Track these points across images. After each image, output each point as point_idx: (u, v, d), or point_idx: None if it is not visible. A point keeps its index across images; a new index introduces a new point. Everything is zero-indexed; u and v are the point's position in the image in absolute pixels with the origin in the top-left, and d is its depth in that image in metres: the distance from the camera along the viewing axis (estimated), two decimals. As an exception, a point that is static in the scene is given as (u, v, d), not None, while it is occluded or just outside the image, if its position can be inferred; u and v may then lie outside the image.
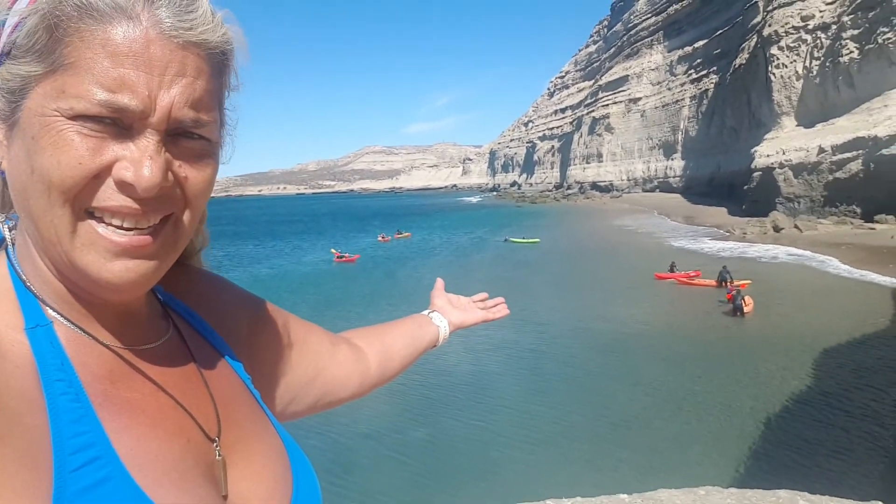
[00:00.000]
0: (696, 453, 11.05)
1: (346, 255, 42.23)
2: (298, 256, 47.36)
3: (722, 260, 31.91)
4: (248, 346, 0.92)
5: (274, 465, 0.78)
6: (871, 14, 48.70)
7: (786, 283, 26.30)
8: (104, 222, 0.62)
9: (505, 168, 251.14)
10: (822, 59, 54.52)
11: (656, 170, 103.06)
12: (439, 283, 1.59)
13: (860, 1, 49.74)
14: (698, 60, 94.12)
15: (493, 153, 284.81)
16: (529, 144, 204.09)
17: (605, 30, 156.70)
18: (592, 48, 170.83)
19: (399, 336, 1.35)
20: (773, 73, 58.94)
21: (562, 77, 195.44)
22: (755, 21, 66.53)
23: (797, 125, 56.15)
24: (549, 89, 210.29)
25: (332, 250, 44.02)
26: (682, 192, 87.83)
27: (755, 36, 64.82)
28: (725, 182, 70.32)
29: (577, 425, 12.61)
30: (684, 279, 27.61)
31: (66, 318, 0.67)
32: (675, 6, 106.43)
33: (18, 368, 0.60)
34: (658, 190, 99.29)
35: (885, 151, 40.71)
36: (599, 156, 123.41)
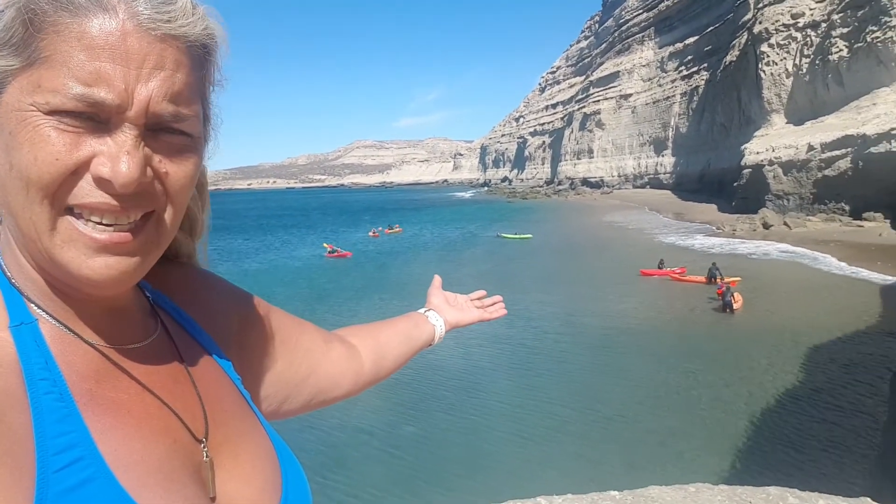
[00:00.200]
0: (686, 450, 11.11)
1: (339, 250, 42.00)
2: (289, 251, 47.18)
3: (712, 256, 32.05)
4: (238, 344, 0.91)
5: (263, 466, 0.77)
6: (860, 13, 48.94)
7: (775, 280, 26.46)
8: (84, 219, 0.61)
9: (496, 163, 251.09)
10: (812, 56, 54.75)
11: (647, 166, 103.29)
12: (436, 280, 1.57)
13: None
14: (689, 57, 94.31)
15: (484, 148, 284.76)
16: (520, 140, 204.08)
17: (597, 25, 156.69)
18: (584, 44, 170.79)
19: (394, 334, 1.34)
20: (763, 71, 59.14)
21: (553, 72, 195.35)
22: (746, 18, 66.68)
23: (787, 123, 56.39)
24: (540, 85, 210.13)
25: (325, 244, 43.69)
26: (673, 189, 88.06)
27: (745, 33, 64.99)
28: (715, 179, 70.52)
29: (567, 421, 12.64)
30: (676, 276, 27.71)
31: (51, 316, 0.66)
32: (665, 2, 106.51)
33: (2, 366, 0.59)
34: (648, 186, 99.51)
35: (873, 149, 40.97)
36: (590, 152, 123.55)
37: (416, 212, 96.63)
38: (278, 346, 1.00)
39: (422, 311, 1.46)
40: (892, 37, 45.19)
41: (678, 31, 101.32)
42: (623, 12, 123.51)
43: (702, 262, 29.43)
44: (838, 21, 51.40)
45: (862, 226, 39.55)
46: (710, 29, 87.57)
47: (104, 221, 0.61)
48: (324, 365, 1.10)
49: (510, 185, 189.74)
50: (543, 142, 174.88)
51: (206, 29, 0.66)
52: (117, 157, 0.59)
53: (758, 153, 52.74)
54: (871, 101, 45.65)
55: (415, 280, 29.09)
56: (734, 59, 68.16)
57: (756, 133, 57.74)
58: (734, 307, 20.93)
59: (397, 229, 59.58)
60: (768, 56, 59.01)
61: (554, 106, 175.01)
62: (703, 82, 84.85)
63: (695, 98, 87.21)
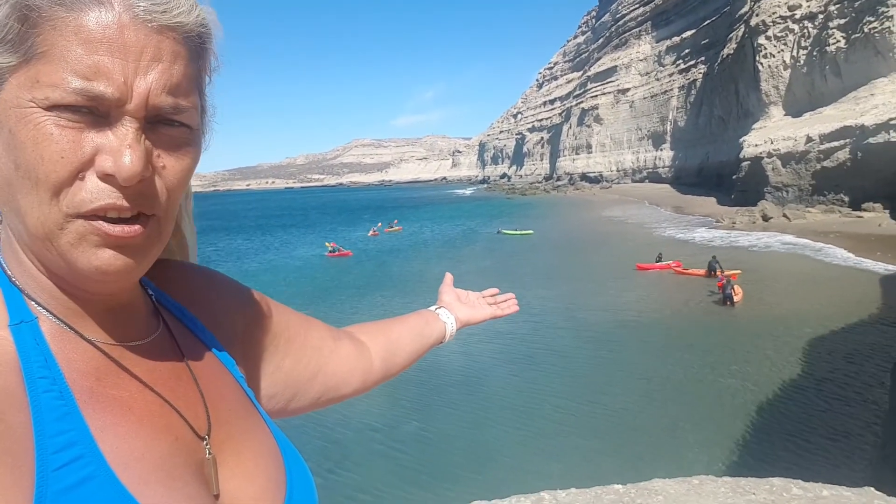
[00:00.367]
0: (689, 442, 11.12)
1: (340, 249, 41.87)
2: (289, 251, 47.18)
3: (712, 250, 32.06)
4: (244, 343, 0.91)
5: (266, 464, 0.77)
6: (857, 3, 48.87)
7: (776, 272, 26.46)
8: (91, 217, 0.61)
9: (495, 160, 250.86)
10: (809, 48, 54.70)
11: (645, 160, 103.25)
12: (448, 277, 1.56)
13: (846, -10, 49.94)
14: (686, 51, 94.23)
15: (482, 145, 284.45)
16: (519, 136, 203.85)
17: (594, 20, 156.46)
18: (581, 39, 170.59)
19: (404, 332, 1.33)
20: (761, 63, 59.08)
21: (550, 68, 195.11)
22: (742, 11, 66.64)
23: (785, 114, 56.35)
24: (537, 80, 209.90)
25: (327, 244, 43.52)
26: (672, 183, 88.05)
27: (742, 26, 64.92)
28: (714, 172, 70.52)
29: (570, 415, 12.66)
30: (679, 269, 27.67)
31: (51, 314, 0.66)
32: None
33: (1, 365, 0.59)
34: (647, 180, 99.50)
35: (871, 140, 40.94)
36: (589, 147, 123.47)
37: (415, 209, 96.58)
38: (285, 344, 0.99)
39: (433, 308, 1.46)
40: (889, 27, 45.14)
41: (675, 24, 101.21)
42: (620, 7, 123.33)
43: (702, 256, 29.42)
44: (835, 12, 51.35)
45: (861, 216, 39.55)
46: (706, 22, 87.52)
47: (108, 216, 0.61)
48: (332, 363, 1.09)
49: (509, 181, 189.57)
50: (542, 138, 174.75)
51: (200, 17, 0.66)
52: (119, 151, 0.59)
53: (756, 146, 52.70)
54: (868, 92, 45.60)
55: (416, 277, 29.13)
56: (731, 51, 68.11)
57: (754, 126, 57.70)
58: (735, 300, 20.94)
59: (397, 227, 59.36)
60: (765, 48, 58.96)
61: (552, 102, 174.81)
62: (700, 76, 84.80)
63: (692, 92, 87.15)
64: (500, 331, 18.66)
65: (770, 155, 50.14)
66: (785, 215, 42.75)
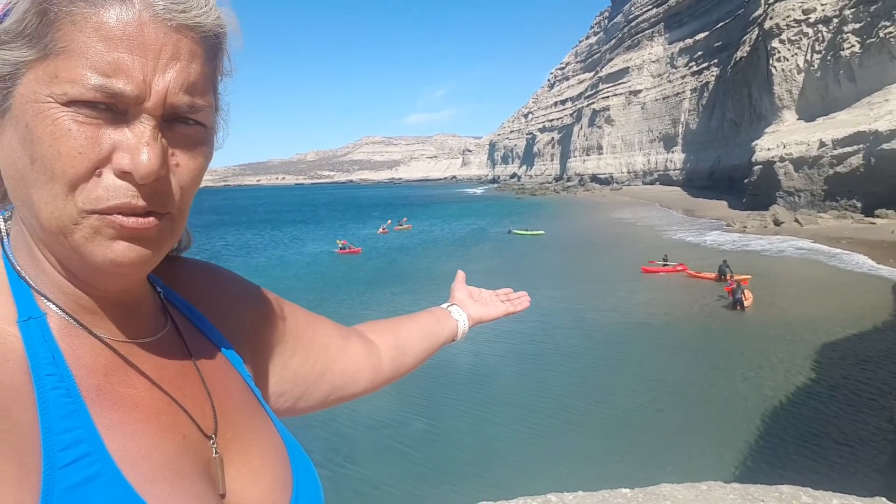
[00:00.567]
0: (697, 447, 11.06)
1: (351, 246, 41.90)
2: (298, 247, 47.25)
3: (723, 253, 31.89)
4: (251, 341, 0.91)
5: (273, 463, 0.77)
6: (872, 8, 48.54)
7: (788, 277, 26.29)
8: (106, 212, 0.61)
9: (505, 160, 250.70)
10: (824, 52, 54.37)
11: (656, 162, 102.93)
12: (460, 275, 1.53)
13: (862, -6, 49.59)
14: (699, 53, 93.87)
15: (492, 144, 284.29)
16: (529, 136, 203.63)
17: (606, 21, 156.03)
18: (593, 39, 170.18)
19: (415, 330, 1.31)
20: (774, 67, 58.79)
21: (562, 68, 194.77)
22: (756, 14, 66.27)
23: (798, 119, 56.04)
24: (549, 81, 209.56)
25: (339, 241, 43.48)
26: (683, 185, 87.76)
27: (756, 29, 64.60)
28: (726, 175, 70.27)
29: (578, 417, 12.62)
30: (691, 273, 27.50)
31: (60, 309, 0.66)
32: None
33: (9, 362, 0.59)
34: (658, 183, 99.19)
35: (885, 146, 40.65)
36: (599, 148, 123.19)
37: (424, 208, 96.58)
38: (293, 343, 0.99)
39: (444, 305, 1.43)
40: (905, 32, 44.82)
41: (688, 26, 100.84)
42: (632, 8, 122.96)
43: (712, 259, 29.28)
44: (850, 16, 50.99)
45: (874, 223, 39.24)
46: (720, 24, 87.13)
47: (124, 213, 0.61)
48: (341, 361, 1.08)
49: (519, 181, 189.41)
50: (552, 138, 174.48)
51: (219, 18, 0.66)
52: (137, 148, 0.59)
53: (769, 149, 52.44)
54: (883, 98, 45.27)
55: (425, 275, 29.13)
56: (745, 54, 67.80)
57: (767, 129, 57.42)
58: (745, 304, 20.83)
59: (406, 225, 59.34)
60: (779, 52, 58.66)
61: (563, 102, 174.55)
62: (713, 78, 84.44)
63: (705, 94, 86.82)
64: (509, 330, 18.64)
65: (782, 159, 49.87)
66: (797, 220, 42.49)
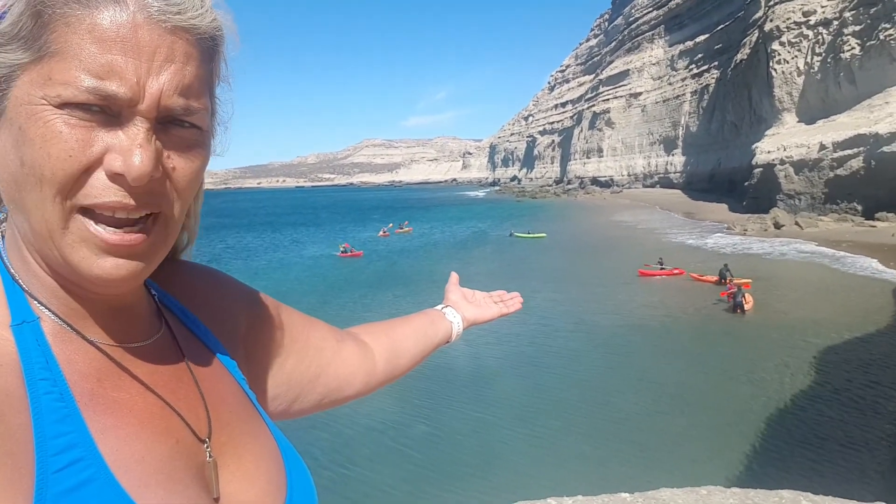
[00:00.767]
0: (697, 452, 11.05)
1: (352, 249, 41.94)
2: (298, 250, 47.30)
3: (723, 256, 31.89)
4: (246, 343, 0.91)
5: (267, 467, 0.77)
6: (872, 10, 48.63)
7: (790, 281, 26.26)
8: (95, 218, 0.61)
9: (505, 162, 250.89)
10: (824, 55, 54.45)
11: (657, 165, 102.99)
12: (454, 277, 1.53)
13: (862, -3, 49.65)
14: (699, 55, 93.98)
15: (493, 147, 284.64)
16: (530, 139, 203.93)
17: (606, 23, 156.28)
18: (593, 42, 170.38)
19: (409, 332, 1.30)
20: (775, 69, 58.86)
21: (562, 71, 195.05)
22: (756, 16, 66.38)
23: (798, 121, 56.11)
24: (549, 83, 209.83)
25: (341, 245, 43.40)
26: (683, 188, 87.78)
27: (756, 31, 64.70)
28: (726, 178, 70.33)
29: (577, 421, 12.61)
30: (696, 276, 27.44)
31: (54, 314, 0.66)
32: (675, 0, 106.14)
33: (2, 366, 0.59)
34: (658, 185, 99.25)
35: (885, 149, 40.69)
36: (600, 151, 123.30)
37: (425, 210, 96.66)
38: (288, 345, 0.99)
39: (439, 307, 1.43)
40: (905, 35, 44.85)
41: (688, 29, 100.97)
42: (633, 10, 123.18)
43: (712, 262, 29.28)
44: (850, 19, 51.07)
45: (875, 226, 39.24)
46: (720, 27, 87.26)
47: (116, 216, 0.61)
48: (335, 363, 1.08)
49: (519, 184, 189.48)
50: (553, 141, 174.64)
51: (215, 21, 0.66)
52: (130, 150, 0.59)
53: (769, 152, 52.48)
54: (883, 100, 45.33)
55: (426, 278, 29.11)
56: (745, 57, 67.88)
57: (767, 132, 57.48)
58: (745, 307, 20.82)
59: (407, 228, 59.36)
60: (779, 54, 58.73)
61: (563, 105, 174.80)
62: (713, 81, 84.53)
63: (705, 97, 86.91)
64: (509, 333, 18.64)
65: (783, 162, 49.90)
66: (797, 223, 42.51)
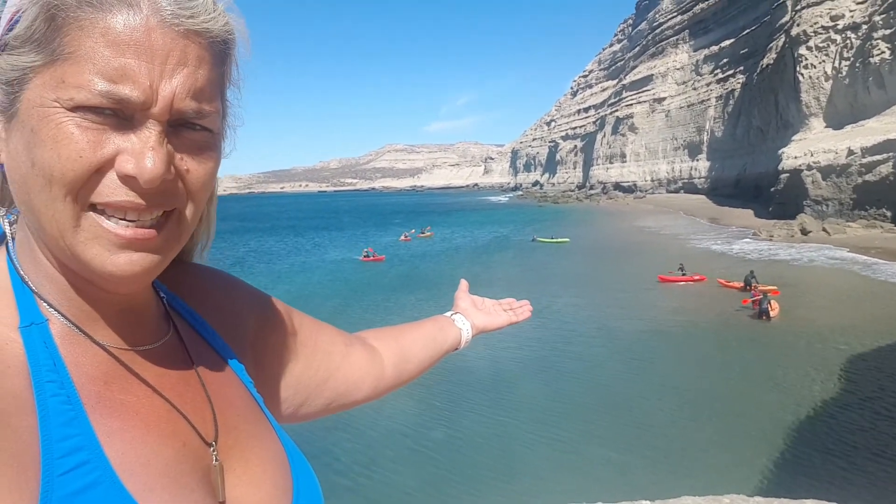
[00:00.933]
0: (720, 459, 10.90)
1: (375, 254, 42.20)
2: (321, 253, 47.64)
3: (749, 263, 31.52)
4: (255, 347, 0.91)
5: (273, 471, 0.77)
6: (903, 14, 47.80)
7: (818, 287, 25.88)
8: (107, 216, 0.61)
9: (527, 167, 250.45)
10: (852, 59, 53.64)
11: (681, 170, 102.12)
12: (463, 284, 1.52)
13: (892, 0, 48.82)
14: (724, 60, 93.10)
15: (514, 152, 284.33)
16: (552, 144, 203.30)
17: (630, 28, 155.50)
18: (616, 47, 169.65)
19: (418, 338, 1.30)
20: (802, 74, 58.10)
21: (585, 76, 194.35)
22: (783, 21, 65.63)
23: (826, 126, 55.30)
24: (572, 88, 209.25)
25: (365, 250, 43.63)
26: (707, 194, 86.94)
27: (783, 36, 63.96)
28: (752, 183, 69.55)
29: (598, 427, 12.52)
30: (723, 282, 27.09)
31: (62, 316, 0.66)
32: (701, 5, 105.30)
33: (10, 368, 0.59)
34: (682, 191, 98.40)
35: (916, 154, 39.93)
36: (623, 156, 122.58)
37: (446, 215, 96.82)
38: (297, 348, 0.99)
39: (448, 314, 1.43)
40: (936, 38, 44.07)
41: (713, 33, 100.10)
42: (657, 15, 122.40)
43: (737, 269, 28.97)
44: (880, 23, 50.25)
45: (904, 232, 38.53)
46: (746, 31, 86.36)
47: (128, 217, 0.61)
48: (343, 368, 1.08)
49: (541, 189, 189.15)
50: (575, 146, 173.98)
51: (227, 25, 0.66)
52: (142, 153, 0.59)
53: (796, 157, 51.81)
54: (914, 105, 44.50)
55: (448, 281, 29.12)
56: (771, 61, 67.13)
57: (794, 137, 56.75)
58: (771, 314, 20.53)
59: (429, 233, 59.61)
60: (806, 59, 57.98)
61: (586, 110, 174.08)
62: (738, 85, 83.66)
63: (730, 102, 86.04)
64: (531, 337, 18.60)
65: (810, 167, 49.23)
66: (824, 229, 41.87)
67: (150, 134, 0.60)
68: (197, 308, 0.85)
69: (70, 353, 0.64)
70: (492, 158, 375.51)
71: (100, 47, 0.57)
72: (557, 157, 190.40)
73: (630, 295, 25.87)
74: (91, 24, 0.58)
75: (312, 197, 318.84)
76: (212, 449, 0.72)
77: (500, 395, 14.53)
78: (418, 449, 11.86)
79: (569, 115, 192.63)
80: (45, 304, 0.66)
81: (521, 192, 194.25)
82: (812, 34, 57.44)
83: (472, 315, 1.43)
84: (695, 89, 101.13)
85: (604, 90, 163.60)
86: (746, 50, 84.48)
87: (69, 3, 0.58)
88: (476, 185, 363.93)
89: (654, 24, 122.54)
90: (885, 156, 42.81)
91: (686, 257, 32.75)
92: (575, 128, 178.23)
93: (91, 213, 0.61)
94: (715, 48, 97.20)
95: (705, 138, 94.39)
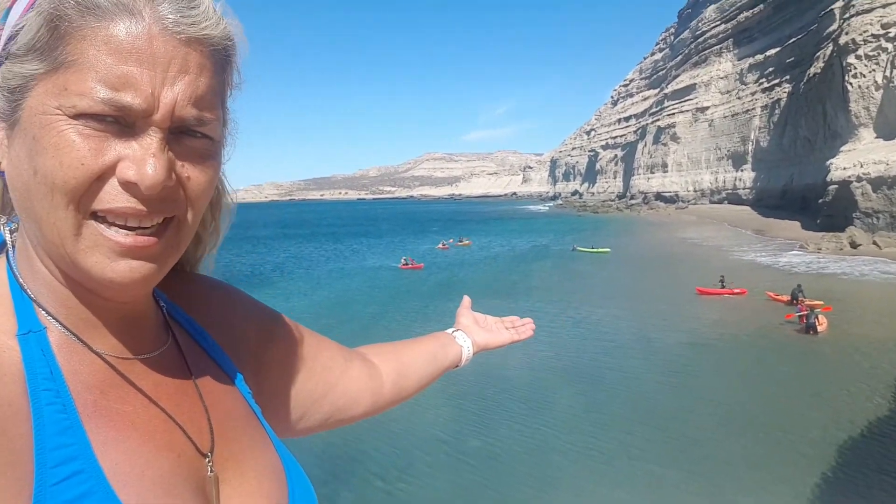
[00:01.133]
0: (764, 475, 10.62)
1: (413, 262, 42.41)
2: (359, 260, 48.06)
3: (795, 276, 30.74)
4: (255, 359, 0.91)
5: (269, 483, 0.76)
6: (960, 21, 46.30)
7: (870, 302, 25.12)
8: (108, 223, 0.61)
9: (566, 177, 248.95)
10: (905, 68, 52.10)
11: (724, 181, 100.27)
12: (466, 301, 1.53)
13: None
14: (770, 69, 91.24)
15: (553, 161, 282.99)
16: (591, 153, 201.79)
17: (672, 37, 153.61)
18: (658, 56, 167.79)
19: (418, 354, 1.31)
20: (850, 83, 56.60)
21: (626, 85, 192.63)
22: (831, 29, 64.12)
23: (876, 137, 53.74)
24: (612, 98, 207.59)
25: (403, 258, 43.88)
26: (752, 205, 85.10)
27: (831, 44, 62.46)
28: (799, 195, 67.89)
29: (637, 439, 12.32)
30: (772, 295, 26.42)
31: (61, 324, 0.66)
32: (745, 13, 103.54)
33: (6, 375, 0.59)
34: (726, 202, 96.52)
35: (973, 165, 38.53)
36: (664, 166, 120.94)
37: (484, 224, 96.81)
38: (296, 362, 0.99)
39: (450, 331, 1.43)
40: None
41: (758, 42, 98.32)
42: (700, 24, 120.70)
43: (784, 282, 28.28)
44: (935, 30, 48.75)
45: (960, 246, 37.16)
46: (792, 40, 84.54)
47: (129, 224, 0.61)
48: (342, 383, 1.08)
49: (581, 198, 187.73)
50: (615, 155, 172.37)
51: (226, 30, 0.66)
52: (143, 160, 0.59)
53: (844, 169, 50.47)
54: (971, 115, 43.00)
55: (486, 289, 29.09)
56: (818, 70, 65.55)
57: (843, 148, 55.29)
58: (818, 329, 19.96)
59: (466, 242, 59.56)
60: (855, 68, 56.50)
61: (627, 119, 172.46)
62: (785, 95, 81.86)
63: (776, 111, 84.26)
64: (569, 347, 18.45)
65: (859, 179, 47.90)
66: (875, 242, 40.64)
67: (151, 141, 0.60)
68: (197, 318, 0.85)
69: (67, 361, 0.64)
70: (530, 167, 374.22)
71: (102, 55, 0.58)
72: (597, 166, 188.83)
73: (670, 306, 25.45)
74: (94, 32, 0.58)
75: (351, 204, 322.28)
76: (207, 460, 0.71)
77: (538, 405, 14.42)
78: (455, 455, 11.83)
79: (609, 124, 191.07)
80: (43, 312, 0.66)
81: (560, 202, 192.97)
82: (861, 42, 55.98)
83: (473, 332, 1.43)
84: (739, 98, 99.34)
85: (645, 99, 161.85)
86: (792, 59, 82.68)
87: (72, 12, 0.58)
88: (514, 193, 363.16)
89: (697, 32, 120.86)
90: (939, 167, 41.43)
91: (730, 269, 32.10)
92: (615, 137, 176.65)
93: (92, 221, 0.61)
94: (760, 57, 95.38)
95: (750, 148, 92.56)
